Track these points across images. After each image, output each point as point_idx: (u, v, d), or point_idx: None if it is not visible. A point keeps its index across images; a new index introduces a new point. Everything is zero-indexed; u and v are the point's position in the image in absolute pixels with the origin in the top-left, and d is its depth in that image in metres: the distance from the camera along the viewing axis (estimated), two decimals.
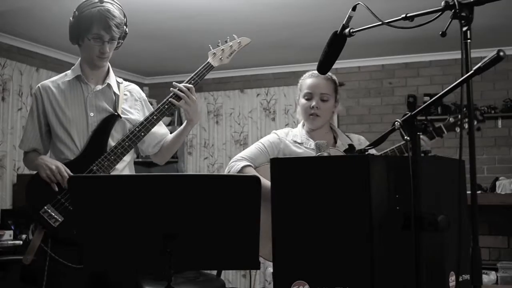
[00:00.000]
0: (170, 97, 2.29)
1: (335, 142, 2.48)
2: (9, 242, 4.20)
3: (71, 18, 2.26)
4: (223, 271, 4.61)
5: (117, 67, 5.34)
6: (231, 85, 6.50)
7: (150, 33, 4.85)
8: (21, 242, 4.20)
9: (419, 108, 1.39)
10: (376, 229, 1.39)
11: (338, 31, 1.68)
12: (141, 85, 6.34)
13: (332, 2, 4.07)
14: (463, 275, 1.51)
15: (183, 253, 1.64)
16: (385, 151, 2.28)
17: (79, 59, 2.36)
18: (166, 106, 2.29)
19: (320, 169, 1.51)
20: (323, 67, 1.78)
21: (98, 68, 2.33)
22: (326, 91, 2.44)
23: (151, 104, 2.55)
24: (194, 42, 5.00)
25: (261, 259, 1.93)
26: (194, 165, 6.54)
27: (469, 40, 1.35)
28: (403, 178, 1.36)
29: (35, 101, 2.33)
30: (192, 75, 2.34)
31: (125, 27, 2.31)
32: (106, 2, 2.21)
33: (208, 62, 2.38)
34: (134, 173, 2.43)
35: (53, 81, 2.35)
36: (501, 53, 1.27)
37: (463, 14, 1.35)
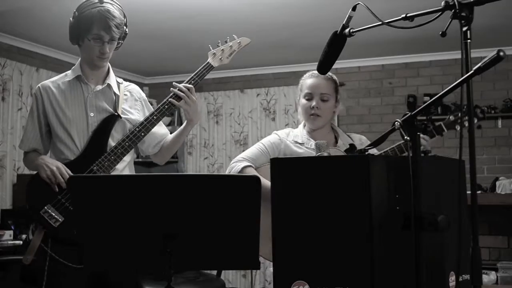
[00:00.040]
0: (170, 97, 2.29)
1: (336, 142, 2.48)
2: (9, 242, 4.20)
3: (71, 19, 2.26)
4: (223, 271, 4.61)
5: (117, 67, 5.34)
6: (231, 85, 6.50)
7: (150, 33, 4.85)
8: (21, 242, 4.20)
9: (419, 108, 1.39)
10: (376, 229, 1.39)
11: (338, 31, 1.68)
12: (141, 85, 6.34)
13: (332, 2, 4.07)
14: (463, 275, 1.51)
15: (183, 253, 1.64)
16: (385, 150, 2.28)
17: (79, 59, 2.36)
18: (166, 106, 2.29)
19: (320, 169, 1.51)
20: (323, 67, 1.78)
21: (98, 68, 2.33)
22: (326, 91, 2.44)
23: (151, 104, 2.55)
24: (194, 42, 5.00)
25: (261, 259, 1.94)
26: (194, 165, 6.54)
27: (469, 40, 1.35)
28: (403, 178, 1.36)
29: (35, 101, 2.33)
30: (192, 75, 2.34)
31: (125, 27, 2.31)
32: (106, 2, 2.21)
33: (208, 62, 2.38)
34: (134, 173, 2.43)
35: (53, 81, 2.35)
36: (501, 53, 1.27)
37: (463, 14, 1.35)
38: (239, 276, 6.04)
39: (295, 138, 2.48)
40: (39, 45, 5.24)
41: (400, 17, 1.50)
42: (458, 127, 2.22)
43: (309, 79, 2.48)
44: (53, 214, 2.15)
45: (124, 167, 2.32)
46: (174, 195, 1.60)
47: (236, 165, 2.43)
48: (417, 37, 4.84)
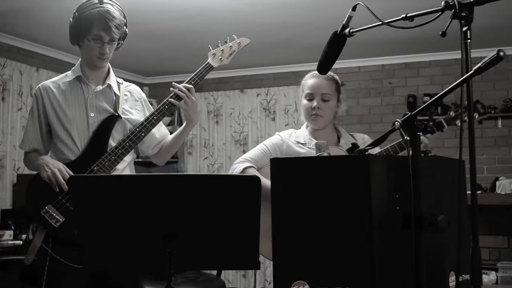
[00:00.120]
0: (170, 97, 2.29)
1: (339, 141, 2.48)
2: (9, 242, 4.21)
3: (71, 19, 2.26)
4: (223, 271, 4.61)
5: (117, 67, 5.34)
6: (231, 85, 6.50)
7: (150, 33, 4.85)
8: (21, 242, 4.21)
9: (419, 108, 1.39)
10: (376, 229, 1.39)
11: (338, 31, 1.68)
12: (141, 85, 6.34)
13: (332, 2, 4.07)
14: (463, 275, 1.51)
15: (183, 253, 1.64)
16: (385, 147, 2.27)
17: (80, 59, 2.36)
18: (166, 107, 2.29)
19: (320, 169, 1.51)
20: (323, 67, 1.78)
21: (98, 68, 2.33)
22: (327, 91, 2.44)
23: (151, 104, 2.55)
24: (194, 42, 5.00)
25: (261, 259, 1.94)
26: (194, 165, 6.54)
27: (469, 40, 1.35)
28: (403, 178, 1.36)
29: (36, 101, 2.33)
30: (192, 75, 2.34)
31: (125, 27, 2.31)
32: (106, 3, 2.21)
33: (208, 63, 2.38)
34: (135, 173, 2.43)
35: (54, 81, 2.35)
36: (501, 53, 1.27)
37: (463, 14, 1.35)
38: (239, 276, 6.04)
39: (297, 139, 2.48)
40: (39, 45, 5.24)
41: (400, 17, 1.50)
42: (458, 123, 2.21)
43: (310, 79, 2.48)
44: (54, 214, 2.15)
45: (125, 167, 2.32)
46: (174, 195, 1.60)
47: (238, 166, 2.44)
48: (417, 37, 4.84)
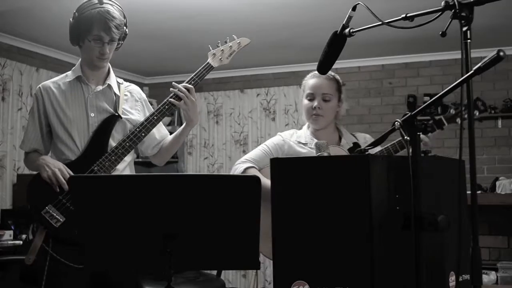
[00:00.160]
0: (170, 97, 2.29)
1: (340, 141, 2.48)
2: (9, 242, 4.21)
3: (71, 19, 2.26)
4: (223, 271, 4.61)
5: (117, 67, 5.34)
6: (231, 85, 6.50)
7: (150, 33, 4.85)
8: (21, 242, 4.21)
9: (419, 108, 1.39)
10: (376, 229, 1.39)
11: (338, 31, 1.68)
12: (141, 85, 6.34)
13: (332, 2, 4.07)
14: (463, 275, 1.51)
15: (183, 253, 1.64)
16: (385, 146, 2.27)
17: (80, 60, 2.37)
18: (166, 107, 2.29)
19: (320, 169, 1.51)
20: (323, 67, 1.78)
21: (99, 69, 2.33)
22: (328, 91, 2.44)
23: (151, 104, 2.56)
24: (194, 42, 5.00)
25: (261, 258, 1.94)
26: (194, 165, 6.54)
27: (469, 40, 1.35)
28: (403, 178, 1.36)
29: (36, 101, 2.33)
30: (192, 75, 2.34)
31: (125, 28, 2.31)
32: (105, 3, 2.21)
33: (208, 63, 2.38)
34: (135, 173, 2.43)
35: (54, 81, 2.35)
36: (501, 53, 1.27)
37: (463, 14, 1.35)
38: (239, 276, 6.04)
39: (299, 139, 2.49)
40: (39, 45, 5.24)
41: (400, 17, 1.50)
42: (459, 120, 2.21)
43: (311, 79, 2.48)
44: (54, 214, 2.15)
45: (125, 167, 2.32)
46: (174, 195, 1.60)
47: (239, 167, 2.45)
48: (417, 37, 4.84)
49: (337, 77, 2.51)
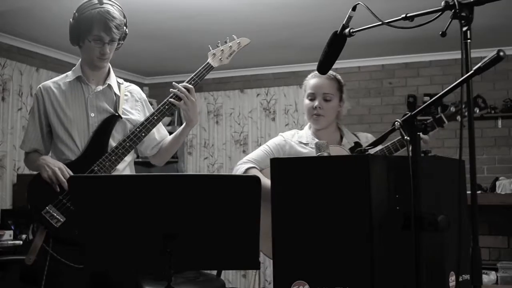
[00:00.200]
0: (170, 97, 2.29)
1: (341, 141, 2.48)
2: (9, 242, 4.20)
3: (71, 20, 2.26)
4: (223, 271, 4.61)
5: (117, 67, 5.33)
6: (231, 85, 6.50)
7: (150, 33, 4.85)
8: (21, 242, 4.21)
9: (419, 108, 1.39)
10: (376, 229, 1.39)
11: (338, 31, 1.68)
12: (141, 85, 6.34)
13: (332, 2, 4.07)
14: (463, 275, 1.51)
15: (183, 253, 1.64)
16: (386, 145, 2.26)
17: (80, 60, 2.37)
18: (166, 107, 2.29)
19: (320, 169, 1.51)
20: (323, 67, 1.78)
21: (99, 69, 2.33)
22: (329, 91, 2.45)
23: (151, 104, 2.56)
24: (194, 42, 5.00)
25: (261, 258, 1.94)
26: (194, 165, 6.54)
27: (469, 40, 1.35)
28: (403, 178, 1.36)
29: (36, 101, 2.33)
30: (192, 75, 2.34)
31: (125, 28, 2.31)
32: (106, 3, 2.21)
33: (208, 63, 2.38)
34: (135, 173, 2.43)
35: (54, 81, 2.35)
36: (501, 53, 1.27)
37: (463, 14, 1.35)
38: (239, 276, 6.04)
39: (300, 139, 2.49)
40: (39, 45, 5.24)
41: (400, 17, 1.50)
42: (459, 118, 2.21)
43: (312, 79, 2.48)
44: (55, 214, 2.15)
45: (125, 167, 2.32)
46: (174, 195, 1.60)
47: (240, 167, 2.45)
48: (417, 37, 4.84)
49: (338, 76, 2.51)
